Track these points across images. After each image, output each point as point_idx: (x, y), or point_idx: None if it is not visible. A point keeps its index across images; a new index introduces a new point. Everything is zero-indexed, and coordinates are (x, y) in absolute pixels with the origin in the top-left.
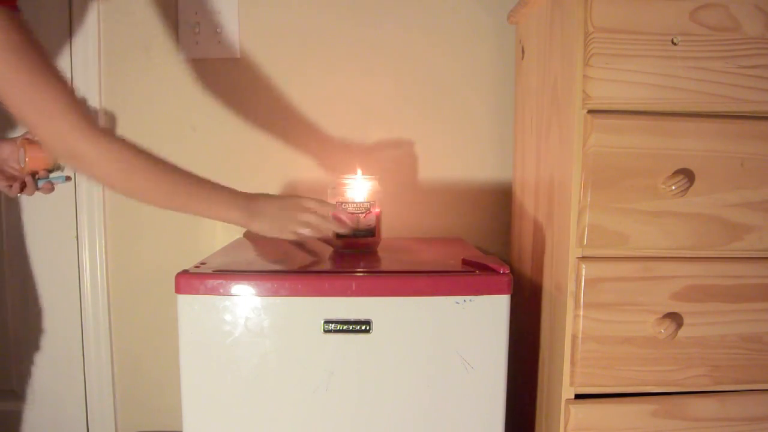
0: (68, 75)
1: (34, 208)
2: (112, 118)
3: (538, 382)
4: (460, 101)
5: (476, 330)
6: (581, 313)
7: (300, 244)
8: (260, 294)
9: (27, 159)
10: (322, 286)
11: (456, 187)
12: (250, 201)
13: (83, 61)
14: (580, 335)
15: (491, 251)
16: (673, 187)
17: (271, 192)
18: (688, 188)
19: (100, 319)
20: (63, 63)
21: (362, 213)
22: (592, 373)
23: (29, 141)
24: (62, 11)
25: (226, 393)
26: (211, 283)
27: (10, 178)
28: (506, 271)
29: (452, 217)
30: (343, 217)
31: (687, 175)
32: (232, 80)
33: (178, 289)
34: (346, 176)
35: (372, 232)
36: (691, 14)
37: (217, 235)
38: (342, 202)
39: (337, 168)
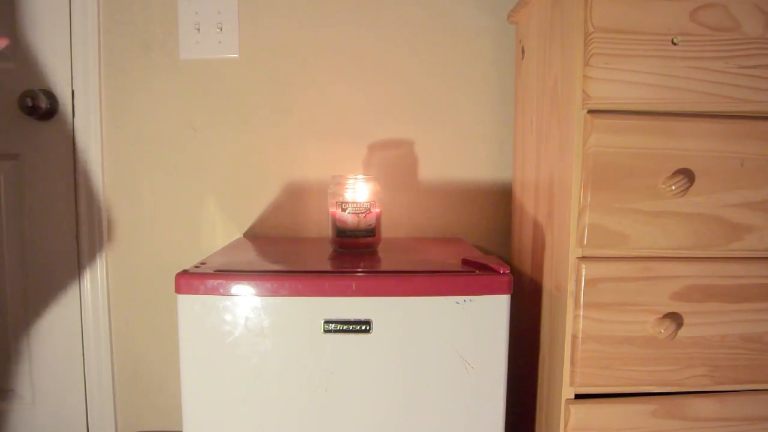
0: (69, 75)
1: (34, 208)
2: (112, 118)
3: (538, 382)
4: (460, 101)
5: (476, 330)
6: (581, 313)
7: None
8: (260, 294)
9: None
10: (322, 286)
11: (456, 187)
12: None
13: (83, 61)
14: (580, 335)
15: (491, 251)
16: (673, 187)
17: (271, 194)
18: (688, 188)
19: (100, 319)
20: (63, 63)
21: (362, 213)
22: (592, 373)
23: None
24: (62, 11)
25: (226, 393)
26: (211, 283)
27: None
28: (506, 271)
29: (452, 217)
30: None
31: (687, 175)
32: (232, 80)
33: (178, 289)
34: (346, 176)
35: (372, 232)
36: (691, 14)
37: (218, 235)
38: (342, 202)
39: (337, 168)
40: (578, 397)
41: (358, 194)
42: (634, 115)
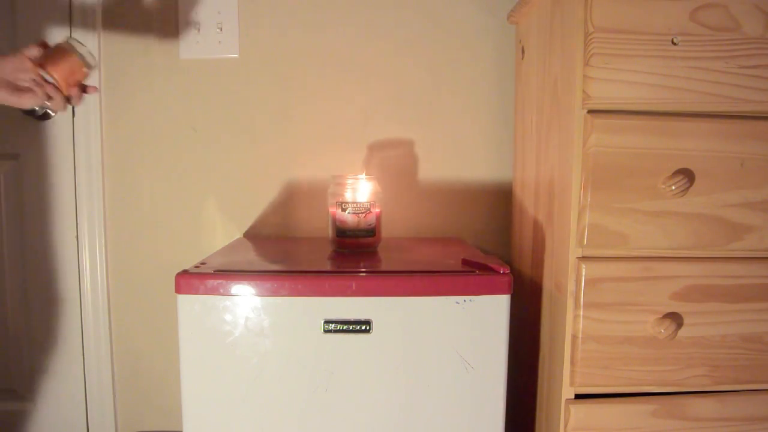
0: None
1: (34, 208)
2: (112, 118)
3: (538, 382)
4: (460, 101)
5: (476, 330)
6: (581, 313)
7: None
8: (260, 294)
9: (57, 79)
10: (322, 286)
11: (456, 187)
12: None
13: None
14: (580, 335)
15: (491, 251)
16: (673, 187)
17: (271, 194)
18: (688, 188)
19: (100, 319)
20: None
21: (362, 213)
22: (592, 373)
23: (44, 57)
24: (62, 11)
25: (226, 393)
26: (211, 283)
27: (27, 90)
28: (506, 271)
29: (452, 217)
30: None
31: (687, 175)
32: (232, 80)
33: (178, 289)
34: (346, 176)
35: (372, 232)
36: (691, 14)
37: (218, 235)
38: (342, 202)
39: (337, 168)
40: (578, 397)
41: (358, 194)
42: (634, 115)
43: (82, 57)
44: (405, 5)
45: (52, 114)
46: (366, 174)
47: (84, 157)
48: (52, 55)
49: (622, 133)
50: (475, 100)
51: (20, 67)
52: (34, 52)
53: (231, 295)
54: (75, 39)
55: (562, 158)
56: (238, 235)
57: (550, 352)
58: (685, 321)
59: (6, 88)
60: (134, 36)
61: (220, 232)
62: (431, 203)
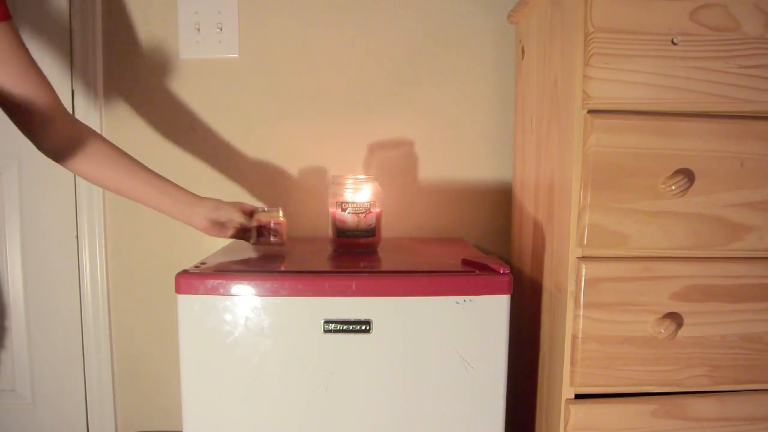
0: (69, 75)
1: (34, 208)
2: (112, 118)
3: (538, 382)
4: (460, 101)
5: (476, 330)
6: (581, 313)
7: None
8: (260, 294)
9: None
10: (322, 286)
11: (456, 187)
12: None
13: (83, 61)
14: (580, 335)
15: (491, 251)
16: (673, 187)
17: (271, 194)
18: (688, 188)
19: (100, 319)
20: (63, 63)
21: (362, 213)
22: (592, 373)
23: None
24: (62, 11)
25: (226, 393)
26: (211, 283)
27: (230, 229)
28: (506, 271)
29: (452, 217)
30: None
31: (687, 175)
32: (232, 80)
33: (178, 289)
34: (346, 176)
35: (372, 232)
36: (691, 14)
37: None
38: (342, 202)
39: (337, 167)
40: (578, 397)
41: (358, 194)
42: (634, 115)
43: (273, 229)
44: (405, 5)
45: None
46: (366, 174)
47: None
48: (253, 230)
49: (622, 133)
50: (475, 100)
51: (232, 219)
52: (239, 218)
53: (231, 295)
54: (263, 209)
55: (562, 158)
56: None
57: (550, 352)
58: (685, 321)
59: (216, 227)
60: (134, 36)
61: None
62: (431, 203)
